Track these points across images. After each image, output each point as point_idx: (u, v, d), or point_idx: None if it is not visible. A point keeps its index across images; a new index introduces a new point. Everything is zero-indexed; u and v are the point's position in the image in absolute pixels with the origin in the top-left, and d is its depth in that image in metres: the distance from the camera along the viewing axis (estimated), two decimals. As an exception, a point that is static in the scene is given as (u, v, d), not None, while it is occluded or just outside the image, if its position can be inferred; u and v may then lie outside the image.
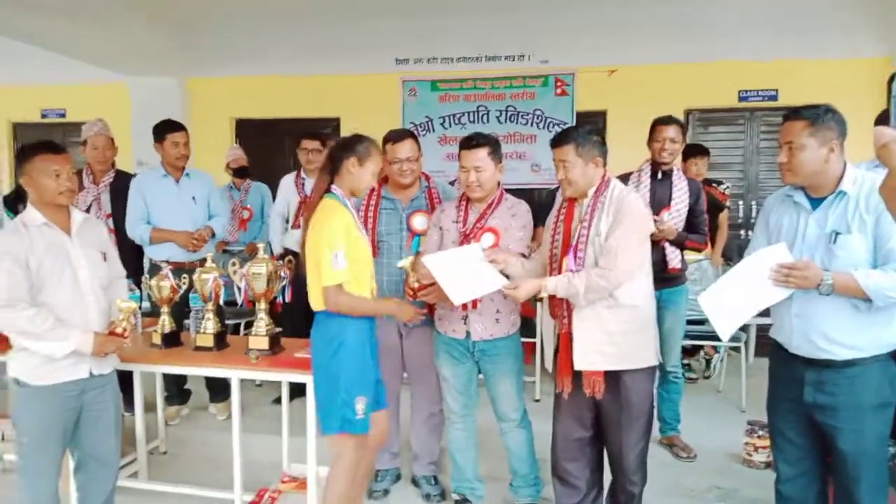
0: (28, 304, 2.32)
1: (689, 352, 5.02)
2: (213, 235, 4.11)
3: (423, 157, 3.21)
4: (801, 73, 5.76)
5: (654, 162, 3.59)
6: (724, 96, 6.00)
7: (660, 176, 3.57)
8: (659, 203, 3.52)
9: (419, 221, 3.07)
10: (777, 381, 2.39)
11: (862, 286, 2.03)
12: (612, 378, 2.52)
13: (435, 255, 2.68)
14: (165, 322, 3.24)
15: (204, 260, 3.72)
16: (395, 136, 3.11)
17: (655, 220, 3.38)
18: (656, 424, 3.77)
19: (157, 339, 3.21)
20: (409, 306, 2.70)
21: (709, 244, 4.92)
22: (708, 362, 5.14)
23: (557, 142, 2.56)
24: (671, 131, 3.49)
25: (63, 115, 7.36)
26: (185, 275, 3.32)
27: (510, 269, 2.64)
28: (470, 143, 2.81)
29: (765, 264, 2.18)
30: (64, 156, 2.45)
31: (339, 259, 2.44)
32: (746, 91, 5.95)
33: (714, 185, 4.97)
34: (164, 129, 4.04)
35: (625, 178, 3.72)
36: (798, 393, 2.23)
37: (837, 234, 2.11)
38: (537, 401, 4.39)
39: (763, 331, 3.13)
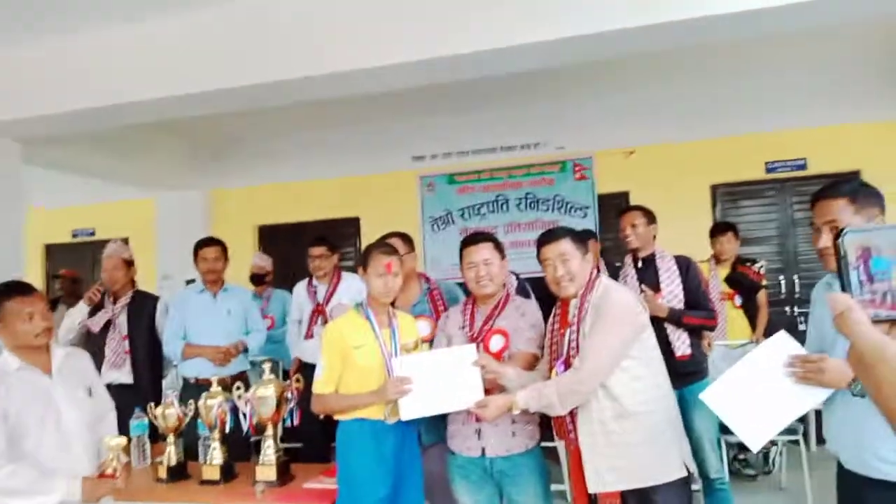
0: (6, 459, 2.19)
1: (742, 446, 4.61)
2: (246, 350, 4.07)
3: (414, 255, 3.13)
4: (830, 140, 5.57)
5: (631, 251, 3.52)
6: (750, 169, 5.82)
7: (640, 264, 3.47)
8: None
9: (420, 327, 2.90)
10: (839, 497, 2.08)
11: None
12: (638, 497, 2.25)
13: (410, 357, 2.50)
14: (171, 453, 3.07)
15: (238, 375, 3.72)
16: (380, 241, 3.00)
17: (643, 291, 3.23)
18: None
19: (162, 473, 3.04)
20: (385, 385, 2.46)
21: (739, 328, 4.64)
22: (766, 456, 4.70)
23: (550, 238, 2.47)
24: (631, 217, 3.47)
25: (92, 234, 7.57)
26: (191, 401, 3.18)
27: (504, 380, 2.43)
28: (475, 239, 2.71)
29: (774, 358, 1.93)
30: (35, 296, 2.38)
31: (318, 368, 2.56)
32: (773, 162, 5.77)
33: (748, 264, 4.71)
34: (197, 246, 4.13)
35: (615, 274, 3.60)
36: None
37: None
38: (576, 511, 4.02)
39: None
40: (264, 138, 6.82)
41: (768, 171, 5.79)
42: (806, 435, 4.26)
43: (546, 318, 2.71)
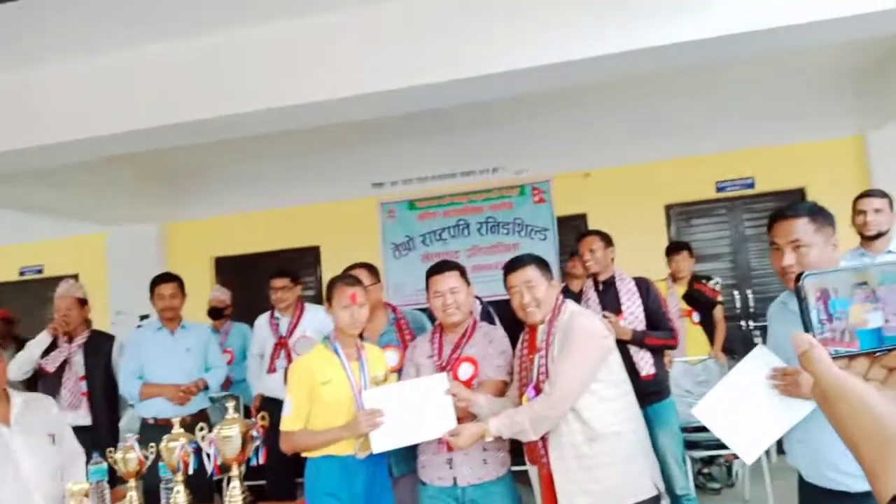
0: None
1: (706, 461, 4.70)
2: (207, 388, 3.98)
3: (381, 286, 3.10)
4: (776, 159, 5.80)
5: (591, 275, 3.62)
6: (701, 189, 6.01)
7: (601, 287, 3.55)
8: (612, 313, 3.44)
9: (388, 357, 2.89)
10: (803, 511, 2.14)
11: None
12: None
13: (380, 389, 2.49)
14: (133, 498, 2.95)
15: (198, 414, 3.69)
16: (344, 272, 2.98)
17: (606, 318, 3.28)
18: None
19: (123, 520, 2.92)
20: (357, 418, 2.41)
21: (698, 344, 4.75)
22: (729, 469, 4.79)
23: (515, 266, 2.50)
24: (590, 242, 3.56)
25: (40, 272, 7.31)
26: (152, 444, 3.08)
27: (476, 408, 2.44)
28: (440, 268, 2.72)
29: (756, 371, 1.98)
30: None
31: (286, 406, 2.50)
32: (723, 181, 5.97)
33: (703, 281, 4.84)
34: (153, 283, 4.03)
35: (577, 299, 3.67)
36: None
37: None
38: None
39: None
40: (220, 168, 6.72)
41: (718, 190, 5.99)
42: (767, 447, 4.36)
43: (512, 342, 2.73)
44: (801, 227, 1.92)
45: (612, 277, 3.56)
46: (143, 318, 6.58)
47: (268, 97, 3.50)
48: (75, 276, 6.22)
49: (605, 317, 3.33)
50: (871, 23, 3.11)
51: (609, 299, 3.49)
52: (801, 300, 0.69)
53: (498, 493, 2.59)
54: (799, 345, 0.68)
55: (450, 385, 2.44)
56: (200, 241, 6.87)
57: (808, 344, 0.67)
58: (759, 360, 2.03)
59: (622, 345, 3.33)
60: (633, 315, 3.40)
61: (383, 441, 2.39)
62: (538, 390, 2.36)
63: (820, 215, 1.95)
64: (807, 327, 0.69)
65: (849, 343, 0.69)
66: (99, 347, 4.09)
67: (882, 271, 0.69)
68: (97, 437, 3.70)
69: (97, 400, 4.01)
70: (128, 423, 4.90)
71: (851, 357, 0.68)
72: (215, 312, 5.26)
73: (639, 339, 3.36)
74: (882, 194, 3.34)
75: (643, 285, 3.51)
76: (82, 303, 4.11)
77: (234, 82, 3.56)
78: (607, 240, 3.60)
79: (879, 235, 3.25)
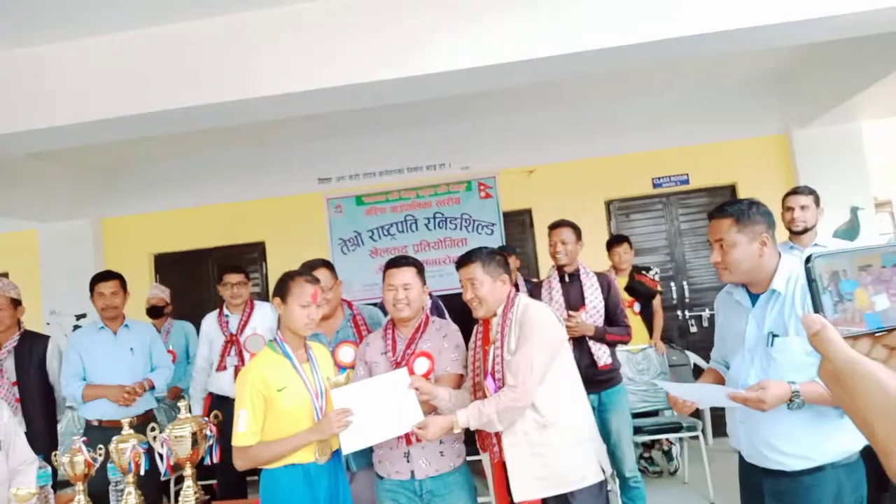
0: None
1: (648, 445, 4.90)
2: (153, 388, 3.89)
3: (340, 284, 3.09)
4: (708, 156, 6.06)
5: (557, 266, 3.62)
6: (639, 185, 6.21)
7: (567, 279, 3.59)
8: (574, 305, 3.52)
9: (345, 353, 2.89)
10: (743, 489, 2.28)
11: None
12: (557, 502, 2.37)
13: (347, 388, 2.44)
14: (81, 502, 2.88)
15: (145, 414, 3.65)
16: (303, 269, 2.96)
17: (572, 316, 3.37)
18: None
19: (71, 525, 2.84)
20: (327, 418, 2.35)
21: (638, 333, 4.93)
22: (669, 453, 5.01)
23: (463, 262, 2.57)
24: (562, 234, 3.55)
25: (-33, 271, 6.93)
26: (100, 446, 3.01)
27: (437, 401, 2.48)
28: (398, 262, 2.75)
29: (719, 394, 2.04)
30: None
31: (241, 420, 2.33)
32: (659, 178, 6.18)
33: (643, 272, 5.02)
34: (93, 281, 3.90)
35: (538, 287, 3.72)
36: (760, 502, 2.12)
37: (774, 336, 2.00)
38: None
39: (717, 411, 3.02)
40: (159, 163, 6.54)
41: (655, 186, 6.21)
42: (704, 430, 4.59)
43: (463, 334, 2.79)
44: (725, 227, 2.08)
45: (578, 271, 3.60)
46: (80, 317, 6.36)
47: (224, 90, 3.45)
48: (5, 275, 5.93)
49: (570, 316, 3.41)
50: (795, 30, 3.32)
51: (574, 292, 3.55)
52: (811, 281, 0.70)
53: (454, 483, 2.64)
54: (810, 326, 0.68)
55: (412, 380, 2.47)
56: (138, 238, 6.65)
57: (821, 325, 0.67)
58: (719, 391, 2.10)
59: (583, 337, 3.45)
60: (595, 309, 3.49)
61: (353, 441, 2.35)
62: (496, 380, 2.43)
63: (746, 216, 2.07)
64: (816, 308, 0.70)
65: (860, 323, 0.69)
66: (31, 350, 3.91)
67: (885, 254, 0.70)
68: (34, 443, 3.56)
69: (31, 405, 3.84)
70: (67, 426, 4.74)
71: (856, 337, 0.69)
72: (155, 311, 5.12)
73: (600, 335, 3.46)
74: (809, 191, 3.53)
75: (604, 281, 3.58)
76: (16, 303, 3.94)
77: (190, 74, 3.48)
78: (578, 233, 3.60)
79: (806, 230, 3.45)
